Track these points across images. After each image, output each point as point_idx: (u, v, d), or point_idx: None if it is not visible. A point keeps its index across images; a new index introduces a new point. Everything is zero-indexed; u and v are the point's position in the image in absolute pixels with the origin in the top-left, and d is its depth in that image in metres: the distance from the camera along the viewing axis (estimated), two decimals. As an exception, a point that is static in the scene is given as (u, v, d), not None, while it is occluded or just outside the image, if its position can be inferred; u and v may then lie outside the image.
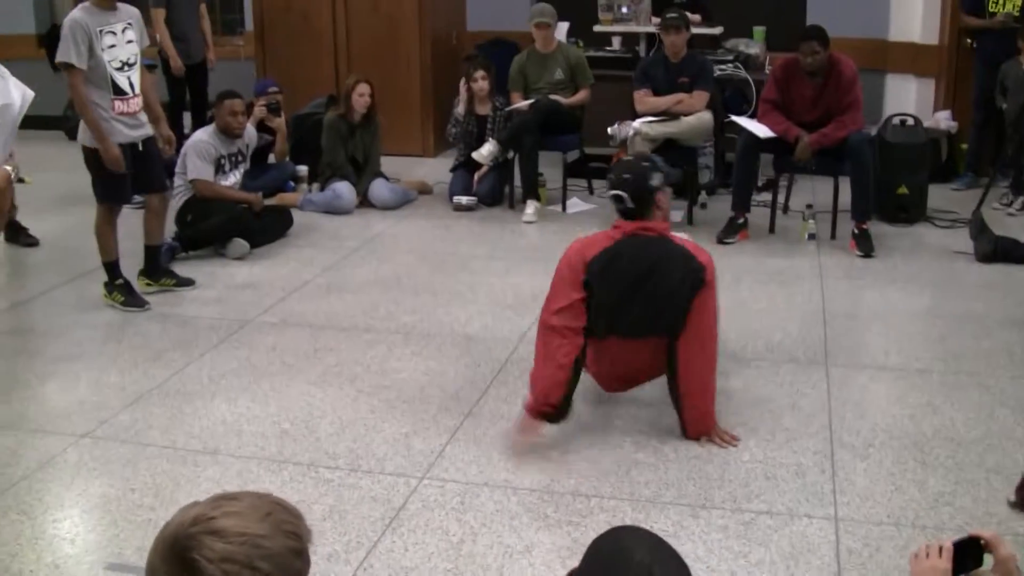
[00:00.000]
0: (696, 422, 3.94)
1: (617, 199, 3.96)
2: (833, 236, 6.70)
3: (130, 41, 5.25)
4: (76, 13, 5.10)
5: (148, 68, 6.04)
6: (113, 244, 5.49)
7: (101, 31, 5.10)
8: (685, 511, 3.44)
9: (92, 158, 5.23)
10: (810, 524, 3.35)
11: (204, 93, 8.57)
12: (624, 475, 3.69)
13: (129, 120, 5.28)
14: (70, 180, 8.28)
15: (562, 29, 8.32)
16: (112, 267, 5.51)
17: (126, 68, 5.23)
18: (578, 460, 3.79)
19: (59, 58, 5.09)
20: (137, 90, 5.30)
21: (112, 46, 5.15)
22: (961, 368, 4.63)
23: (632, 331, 3.95)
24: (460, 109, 7.74)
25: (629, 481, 3.64)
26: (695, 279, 3.83)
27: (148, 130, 5.44)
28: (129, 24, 5.25)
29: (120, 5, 5.27)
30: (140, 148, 5.38)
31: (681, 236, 4.08)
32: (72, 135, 10.37)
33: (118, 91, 5.20)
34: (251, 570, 1.51)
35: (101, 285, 5.56)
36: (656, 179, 3.95)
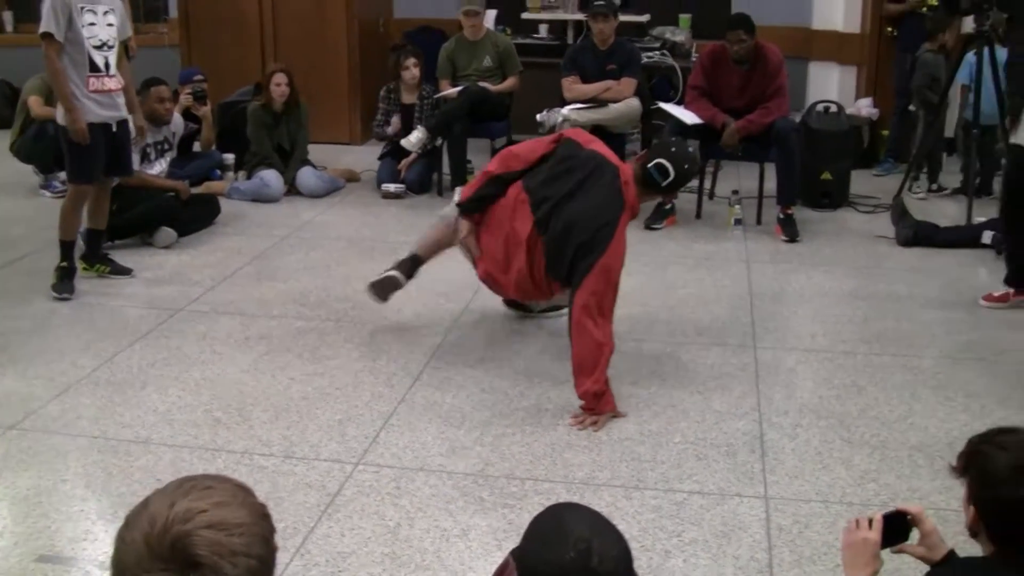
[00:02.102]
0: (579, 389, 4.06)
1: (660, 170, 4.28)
2: (759, 221, 6.80)
3: (110, 24, 5.30)
4: None
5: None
6: (74, 226, 5.50)
7: (82, 8, 5.15)
8: (619, 492, 3.49)
9: (66, 135, 5.24)
10: (741, 503, 3.41)
11: (127, 81, 8.45)
12: (558, 457, 3.72)
13: (103, 99, 5.29)
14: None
15: (490, 16, 8.34)
16: (67, 248, 5.49)
17: (104, 48, 5.27)
18: (512, 444, 3.82)
19: (41, 28, 5.12)
20: (113, 71, 5.33)
21: (92, 24, 5.20)
22: (885, 349, 4.73)
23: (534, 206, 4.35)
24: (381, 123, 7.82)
25: (563, 463, 3.68)
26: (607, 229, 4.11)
27: (123, 113, 5.47)
28: (111, 9, 5.32)
29: None
30: (114, 129, 5.39)
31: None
32: (2, 124, 10.21)
33: (94, 68, 5.22)
34: (252, 559, 1.49)
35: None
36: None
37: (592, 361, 4.00)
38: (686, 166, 4.30)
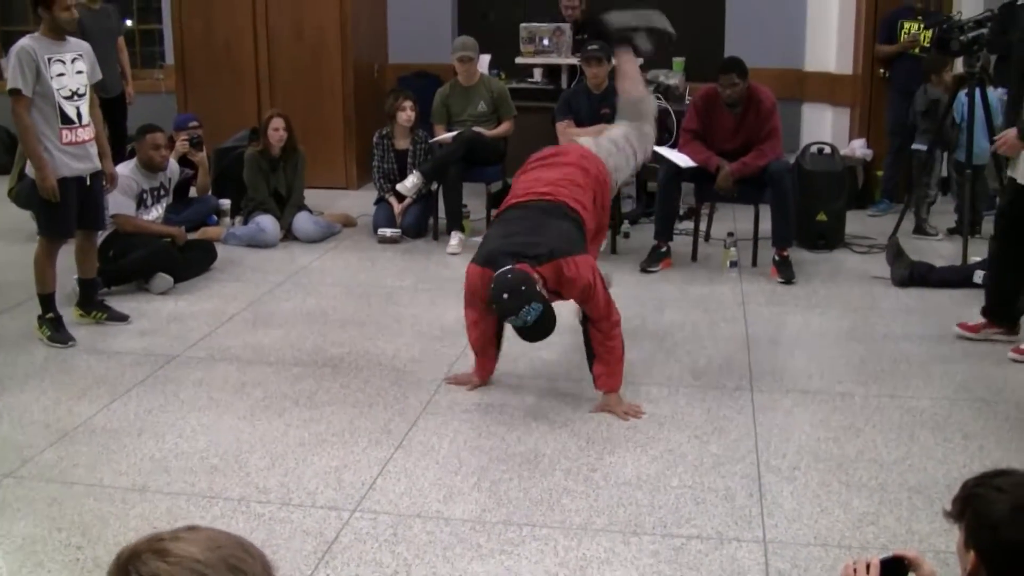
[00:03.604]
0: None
1: None
2: (754, 263, 6.82)
3: (80, 72, 5.23)
4: (25, 41, 5.09)
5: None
6: (50, 277, 5.44)
7: (50, 59, 5.08)
8: (617, 537, 3.47)
9: (35, 190, 5.20)
10: (740, 547, 3.40)
11: (123, 128, 8.45)
12: (555, 503, 3.71)
13: (76, 151, 5.24)
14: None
15: (484, 61, 8.39)
16: (46, 300, 5.44)
17: (75, 98, 5.20)
18: (509, 489, 3.81)
19: (8, 85, 5.06)
20: (86, 120, 5.27)
21: (61, 74, 5.13)
22: (882, 391, 4.73)
23: None
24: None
25: (560, 509, 3.67)
26: None
27: (96, 164, 5.41)
28: (79, 55, 5.25)
29: (70, 38, 5.25)
30: (87, 183, 5.35)
31: None
32: (1, 170, 10.26)
33: (66, 120, 5.16)
34: None
35: (36, 317, 5.51)
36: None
37: None
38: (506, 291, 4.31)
